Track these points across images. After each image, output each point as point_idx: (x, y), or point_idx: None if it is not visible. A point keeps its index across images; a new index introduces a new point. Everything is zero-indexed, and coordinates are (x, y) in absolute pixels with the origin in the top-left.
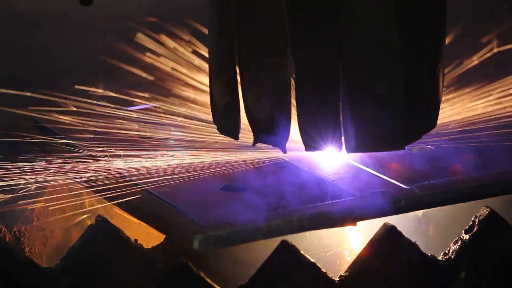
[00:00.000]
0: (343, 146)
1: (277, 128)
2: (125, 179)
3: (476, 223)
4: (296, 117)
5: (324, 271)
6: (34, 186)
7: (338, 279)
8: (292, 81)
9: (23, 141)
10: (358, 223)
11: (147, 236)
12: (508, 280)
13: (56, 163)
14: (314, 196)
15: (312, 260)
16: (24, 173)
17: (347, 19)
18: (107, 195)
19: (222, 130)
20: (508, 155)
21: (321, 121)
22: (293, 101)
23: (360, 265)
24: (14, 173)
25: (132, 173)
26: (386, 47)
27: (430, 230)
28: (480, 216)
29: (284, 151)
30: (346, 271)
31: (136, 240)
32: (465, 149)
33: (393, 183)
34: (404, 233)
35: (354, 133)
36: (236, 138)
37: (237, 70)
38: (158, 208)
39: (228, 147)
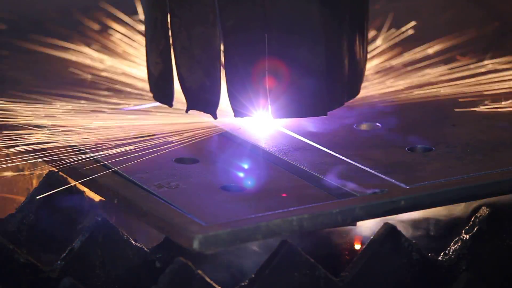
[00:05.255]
0: (270, 112)
1: (208, 95)
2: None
3: (476, 223)
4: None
5: (324, 271)
6: None
7: (338, 279)
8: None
9: None
10: (358, 223)
11: (147, 236)
12: (508, 280)
13: None
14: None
15: (312, 260)
16: None
17: None
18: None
19: (157, 98)
20: None
21: (248, 88)
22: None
23: (360, 265)
24: None
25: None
26: (308, 18)
27: (430, 230)
28: (480, 216)
29: (215, 117)
30: (346, 271)
31: (136, 240)
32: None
33: (393, 183)
34: (404, 233)
35: (279, 100)
36: (170, 105)
37: (170, 40)
38: (158, 208)
39: (163, 114)
